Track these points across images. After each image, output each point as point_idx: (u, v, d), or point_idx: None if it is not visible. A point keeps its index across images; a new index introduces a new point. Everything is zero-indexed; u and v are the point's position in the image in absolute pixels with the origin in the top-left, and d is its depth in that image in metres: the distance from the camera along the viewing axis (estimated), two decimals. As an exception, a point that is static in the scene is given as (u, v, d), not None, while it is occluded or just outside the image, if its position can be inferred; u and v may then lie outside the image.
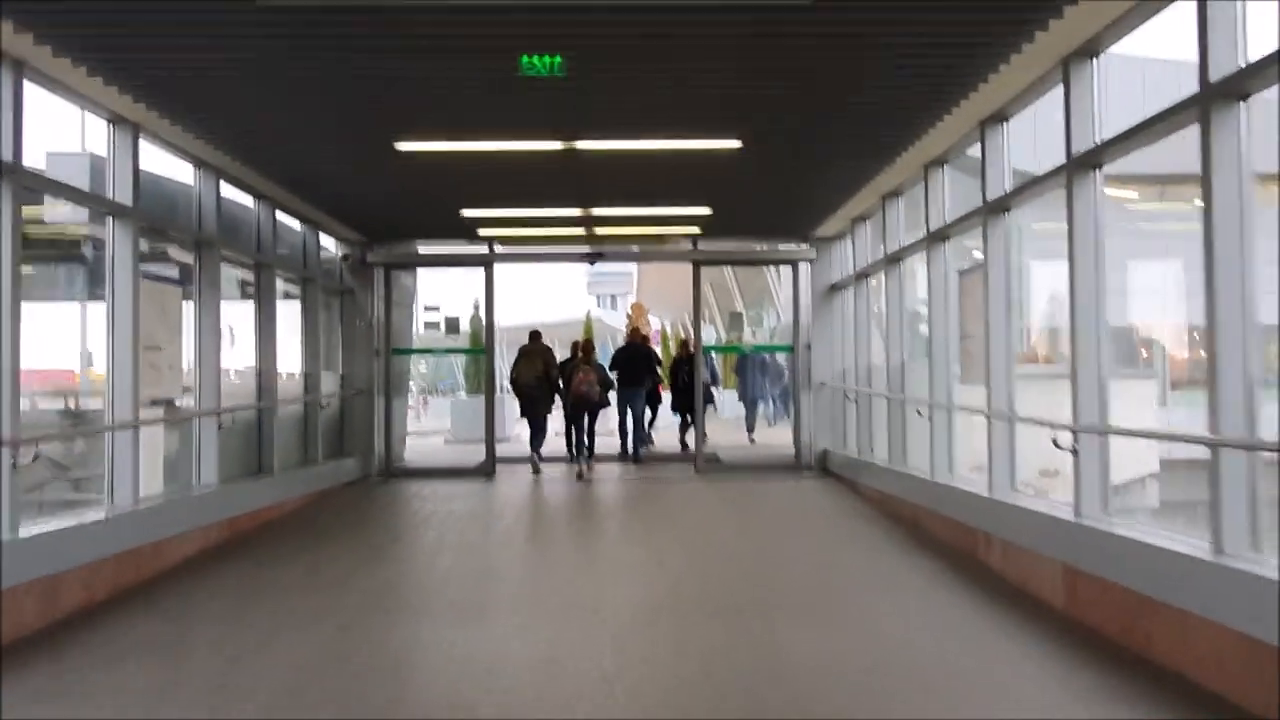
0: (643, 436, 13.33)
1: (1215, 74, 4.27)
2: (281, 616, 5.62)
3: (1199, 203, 4.32)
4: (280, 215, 9.82)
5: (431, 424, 21.61)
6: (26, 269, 9.72)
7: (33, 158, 5.92)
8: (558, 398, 12.15)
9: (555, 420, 12.61)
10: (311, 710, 4.09)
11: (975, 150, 7.73)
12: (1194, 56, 4.46)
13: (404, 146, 7.21)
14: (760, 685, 4.39)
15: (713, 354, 15.80)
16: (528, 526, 9.13)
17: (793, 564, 7.01)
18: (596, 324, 29.78)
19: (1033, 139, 7.29)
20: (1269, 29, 4.02)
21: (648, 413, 13.78)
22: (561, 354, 12.83)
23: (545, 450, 12.33)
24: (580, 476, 11.60)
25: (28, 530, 5.34)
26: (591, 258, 12.43)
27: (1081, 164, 5.54)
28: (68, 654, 4.84)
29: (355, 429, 11.77)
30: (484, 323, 13.04)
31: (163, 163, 7.66)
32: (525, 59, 5.38)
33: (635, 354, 13.24)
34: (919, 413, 8.35)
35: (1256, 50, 4.10)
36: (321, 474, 10.45)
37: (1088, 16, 5.05)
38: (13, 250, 5.36)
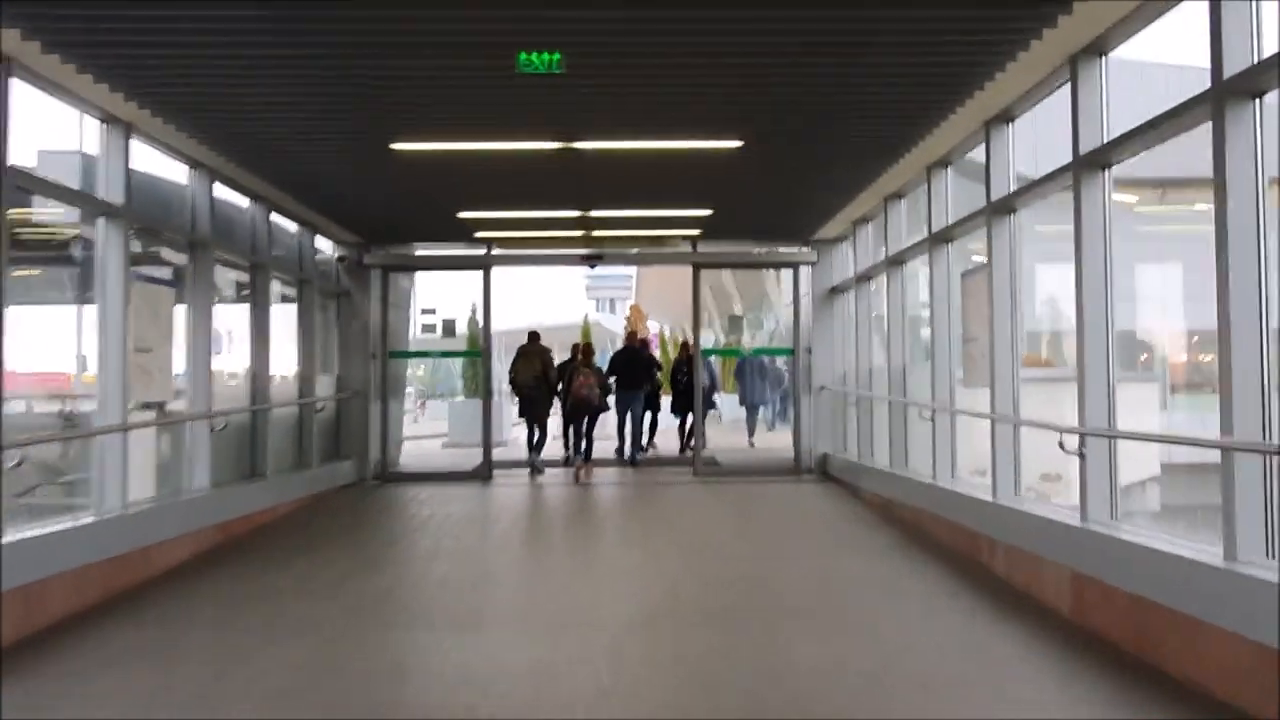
0: (640, 440, 13.26)
1: (1229, 69, 4.17)
2: (272, 624, 5.50)
3: (1200, 206, 4.23)
4: (276, 217, 9.73)
5: (430, 428, 21.51)
6: (33, 271, 9.66)
7: (24, 156, 5.83)
8: (556, 400, 12.14)
9: (553, 424, 12.54)
10: (301, 721, 3.99)
11: (975, 155, 7.69)
12: (1195, 61, 4.38)
13: (400, 146, 7.11)
14: (760, 694, 4.29)
15: (712, 358, 15.69)
16: (524, 531, 9.02)
17: (793, 569, 6.91)
18: (595, 328, 29.70)
19: (1032, 142, 7.19)
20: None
21: (648, 417, 13.71)
22: (560, 357, 12.75)
23: (543, 454, 12.23)
24: (578, 479, 11.56)
25: (10, 536, 5.21)
26: (590, 260, 12.33)
27: (1089, 163, 5.45)
28: (49, 663, 4.73)
29: (351, 432, 11.66)
30: (481, 326, 12.93)
31: (156, 163, 7.57)
32: (523, 56, 5.29)
33: (633, 357, 13.18)
34: (922, 416, 8.25)
35: (1271, 45, 4.01)
36: (316, 477, 10.34)
37: (1097, 13, 4.97)
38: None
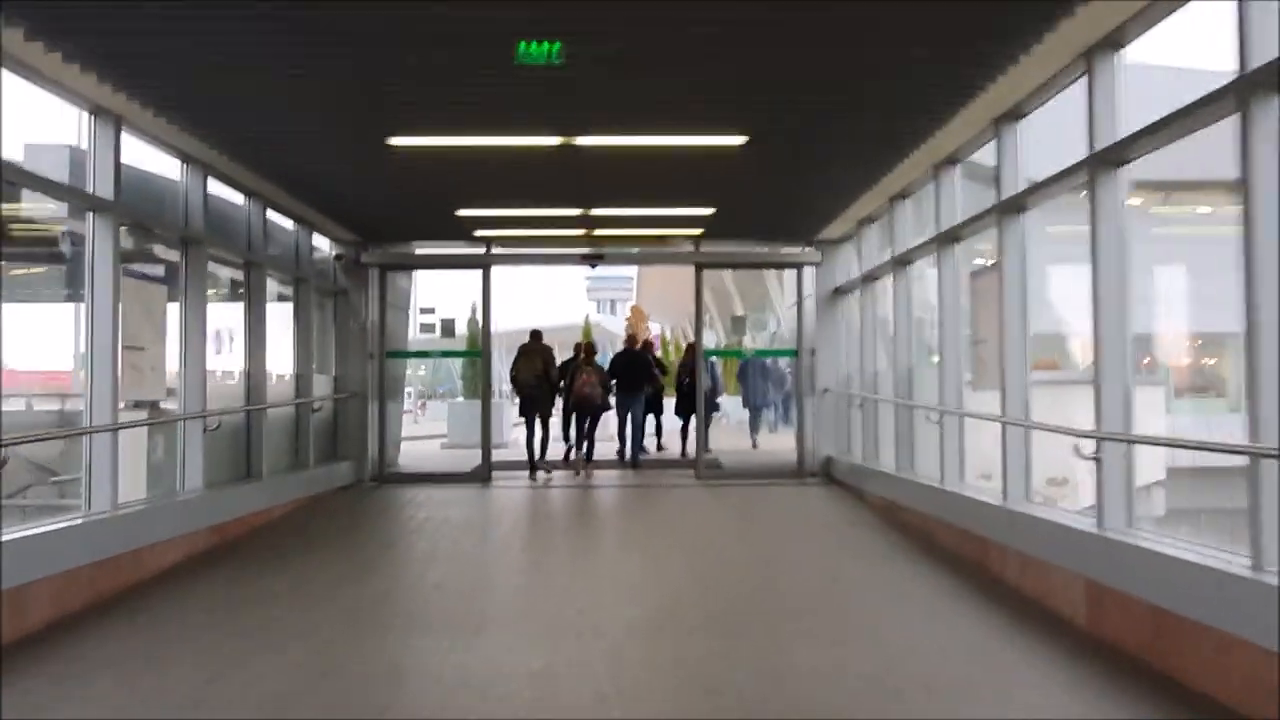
0: (640, 442, 13.13)
1: (1255, 60, 4.02)
2: (267, 628, 5.35)
3: (1203, 209, 4.09)
4: (272, 214, 9.59)
5: (429, 428, 21.39)
6: (35, 269, 9.52)
7: (11, 149, 5.68)
8: (558, 398, 12.12)
9: (553, 426, 12.41)
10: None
11: (979, 155, 7.55)
12: (1194, 64, 4.25)
13: (396, 141, 6.96)
14: (763, 703, 4.15)
15: (714, 359, 15.55)
16: (523, 535, 8.85)
17: (797, 575, 6.75)
18: (595, 329, 29.57)
19: (1034, 144, 7.05)
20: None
21: (652, 420, 13.62)
22: (561, 358, 12.67)
23: (543, 455, 12.09)
24: (578, 472, 11.61)
25: (-3, 537, 5.06)
26: (591, 259, 12.18)
27: (1104, 160, 5.30)
28: (33, 671, 4.57)
29: (349, 433, 11.51)
30: (481, 326, 12.80)
31: (149, 157, 7.42)
32: (522, 46, 5.14)
33: (633, 360, 13.10)
34: (929, 419, 8.09)
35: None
36: (313, 478, 10.18)
37: (1114, 5, 4.82)
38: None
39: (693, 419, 12.84)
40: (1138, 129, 5.02)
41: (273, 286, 9.98)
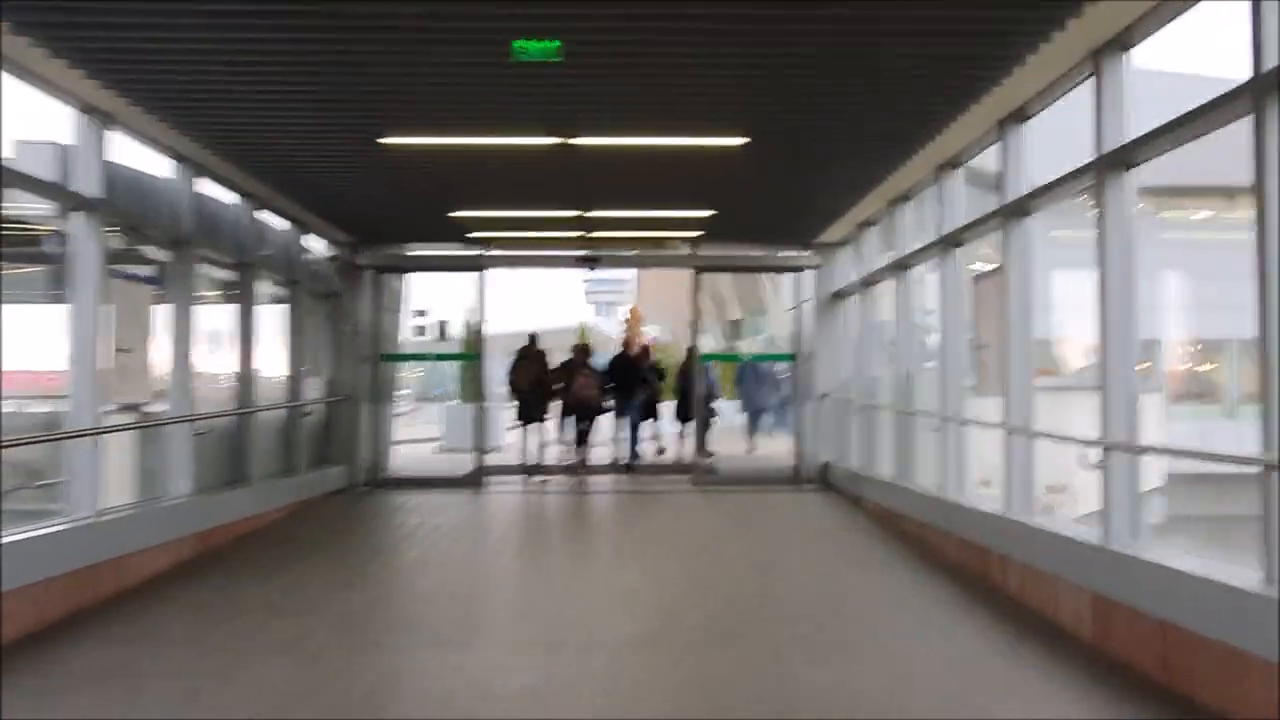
0: (635, 447, 13.07)
1: (1270, 61, 3.90)
2: (250, 641, 5.20)
3: (1199, 215, 3.97)
4: (266, 215, 9.45)
5: (425, 430, 21.23)
6: (34, 268, 9.36)
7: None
8: (553, 404, 12.10)
9: (550, 429, 12.32)
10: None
11: (979, 161, 7.44)
12: (1202, 70, 4.15)
13: (389, 141, 6.83)
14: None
15: (711, 364, 15.42)
16: (516, 542, 8.71)
17: (797, 587, 6.61)
18: (592, 332, 29.45)
19: (1032, 152, 6.94)
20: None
21: (651, 425, 13.52)
22: (558, 360, 12.57)
23: (538, 459, 11.99)
24: (575, 473, 11.61)
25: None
26: (588, 262, 12.05)
27: (1112, 162, 5.17)
28: (5, 684, 4.41)
29: (341, 437, 11.36)
30: (475, 329, 12.68)
31: (139, 156, 7.28)
32: (518, 43, 5.01)
33: (627, 365, 13.02)
34: (935, 428, 7.95)
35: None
36: (305, 483, 10.03)
37: (1122, 6, 4.70)
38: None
39: (689, 424, 12.73)
40: (1148, 130, 4.89)
41: (266, 288, 9.86)
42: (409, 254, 12.33)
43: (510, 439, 15.82)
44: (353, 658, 4.93)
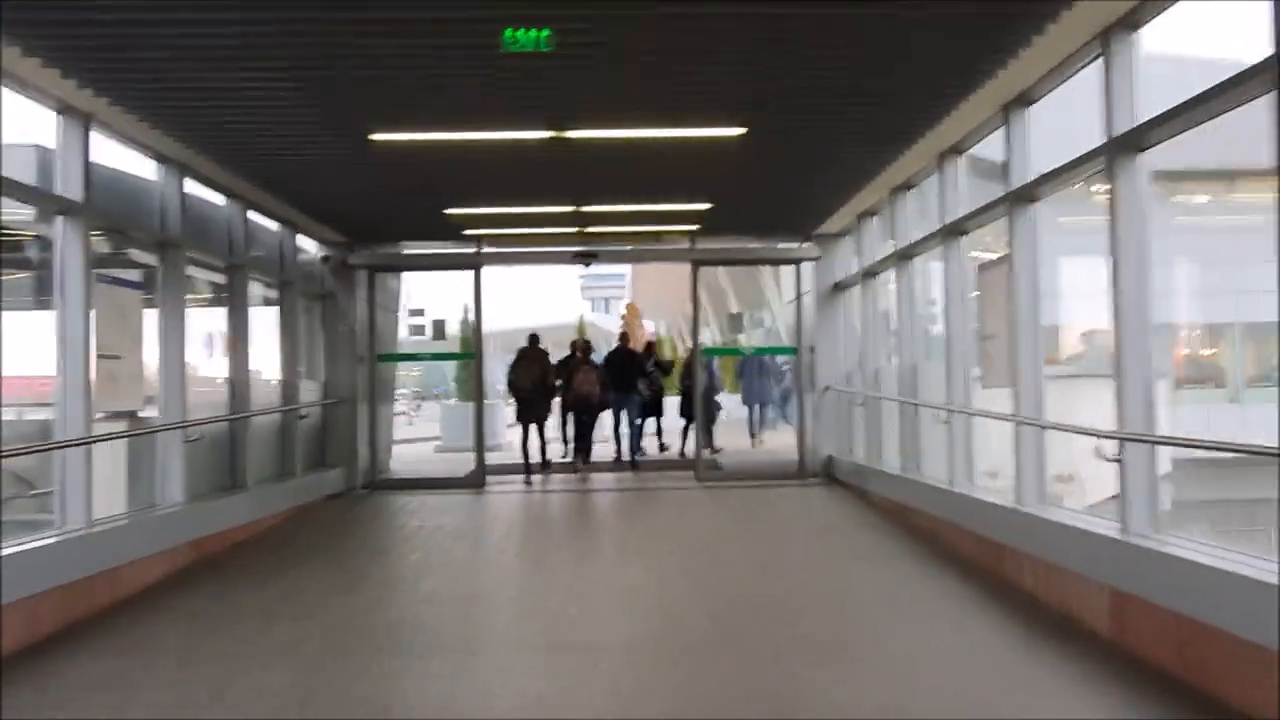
0: (636, 442, 12.95)
1: (1291, 36, 3.75)
2: (246, 650, 5.06)
3: (1200, 199, 3.82)
4: (256, 216, 9.29)
5: (424, 429, 21.14)
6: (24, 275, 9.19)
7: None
8: (555, 402, 12.06)
9: (550, 429, 12.19)
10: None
11: (982, 149, 7.30)
12: (1206, 54, 4.01)
13: (379, 137, 6.67)
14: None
15: (713, 358, 15.28)
16: (517, 544, 8.57)
17: (805, 587, 6.46)
18: (590, 328, 29.29)
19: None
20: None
21: (651, 422, 13.41)
22: (556, 356, 12.50)
23: (537, 458, 11.85)
24: (577, 469, 11.60)
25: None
26: (584, 258, 11.89)
27: (1123, 146, 5.03)
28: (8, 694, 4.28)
29: (338, 439, 11.20)
30: (473, 327, 12.54)
31: (123, 158, 7.12)
32: (508, 33, 4.85)
33: (627, 358, 12.95)
34: (937, 418, 7.82)
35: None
36: (301, 487, 9.88)
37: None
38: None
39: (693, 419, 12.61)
40: (1160, 112, 4.75)
41: (258, 290, 9.70)
42: (404, 253, 12.17)
43: (510, 437, 15.72)
44: (351, 665, 4.79)
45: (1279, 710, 3.49)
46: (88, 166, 6.21)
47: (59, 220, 6.09)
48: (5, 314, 6.28)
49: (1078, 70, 5.65)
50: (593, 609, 5.93)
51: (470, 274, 11.70)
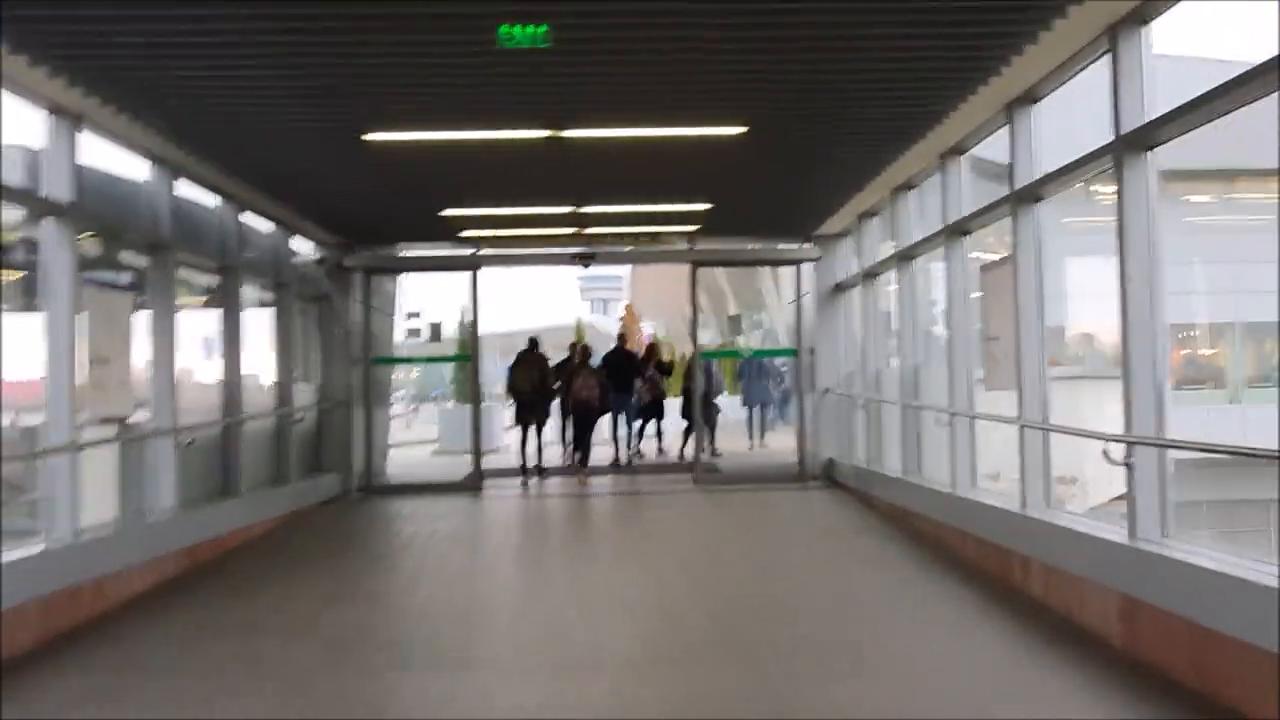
0: (632, 443, 12.92)
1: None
2: (234, 665, 4.94)
3: (1196, 199, 3.73)
4: (250, 217, 9.17)
5: (421, 432, 21.01)
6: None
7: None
8: (554, 404, 12.02)
9: (549, 430, 12.10)
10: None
11: (983, 150, 7.21)
12: (1219, 54, 3.93)
13: (373, 137, 6.56)
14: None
15: (713, 361, 15.18)
16: (515, 550, 8.45)
17: (808, 594, 6.35)
18: (588, 330, 29.19)
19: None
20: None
21: (653, 423, 13.40)
22: (554, 358, 12.41)
23: (535, 461, 11.76)
24: (576, 472, 11.48)
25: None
26: (583, 259, 11.78)
27: (1131, 143, 4.93)
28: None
29: (334, 443, 11.08)
30: (469, 329, 12.43)
31: (113, 158, 7.01)
32: (504, 29, 4.75)
33: (624, 359, 12.90)
34: (939, 422, 7.71)
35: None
36: (296, 492, 9.76)
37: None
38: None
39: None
40: (1169, 109, 4.65)
41: (252, 292, 9.59)
42: (400, 254, 12.06)
43: (508, 439, 15.60)
44: (343, 681, 4.67)
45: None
46: (78, 168, 6.10)
47: (46, 222, 5.98)
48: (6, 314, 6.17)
49: (1084, 67, 5.55)
50: (594, 618, 5.81)
51: (467, 275, 11.59)
